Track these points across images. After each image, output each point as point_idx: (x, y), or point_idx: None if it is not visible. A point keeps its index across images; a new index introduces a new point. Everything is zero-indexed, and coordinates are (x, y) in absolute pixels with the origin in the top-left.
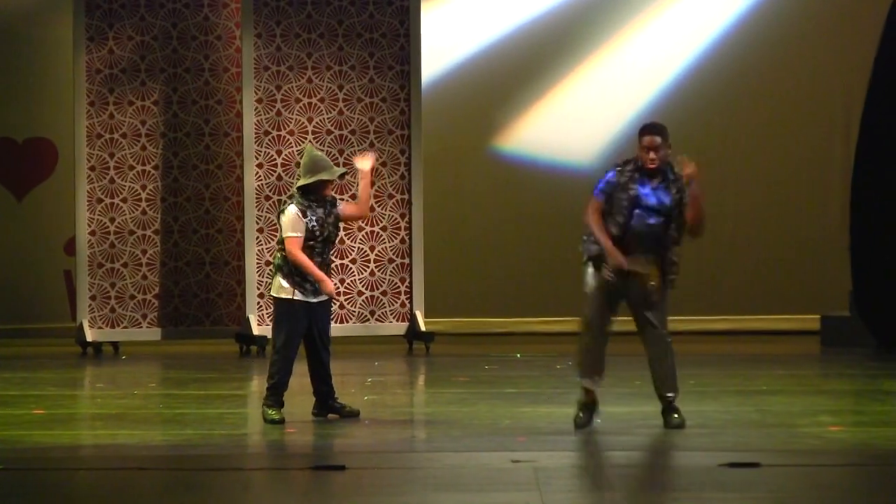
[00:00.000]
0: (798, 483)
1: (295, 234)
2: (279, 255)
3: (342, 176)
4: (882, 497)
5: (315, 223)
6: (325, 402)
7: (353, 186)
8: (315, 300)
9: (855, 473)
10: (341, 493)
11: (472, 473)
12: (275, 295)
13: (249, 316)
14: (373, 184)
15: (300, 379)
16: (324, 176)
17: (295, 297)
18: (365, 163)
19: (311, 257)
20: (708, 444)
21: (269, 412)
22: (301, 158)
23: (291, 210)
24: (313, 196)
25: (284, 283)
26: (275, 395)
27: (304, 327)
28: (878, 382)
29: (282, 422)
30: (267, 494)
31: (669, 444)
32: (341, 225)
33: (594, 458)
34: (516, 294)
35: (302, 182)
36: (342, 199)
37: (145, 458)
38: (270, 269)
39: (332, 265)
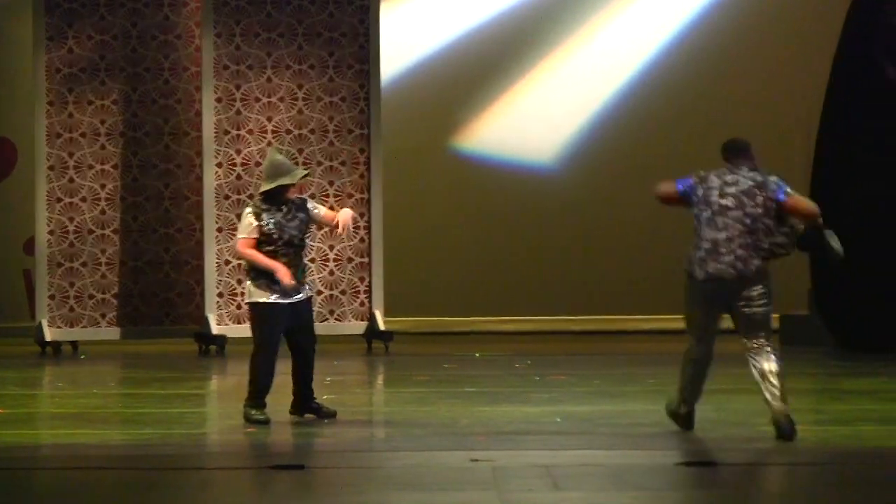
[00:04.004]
0: (756, 482)
1: (242, 236)
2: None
3: (305, 177)
4: (842, 495)
5: (272, 227)
6: (304, 403)
7: (310, 186)
8: (294, 300)
9: (814, 472)
10: (300, 493)
11: (431, 472)
12: (249, 300)
13: (208, 315)
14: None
15: (275, 378)
16: (284, 181)
17: (270, 301)
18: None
19: (275, 259)
20: (666, 443)
21: (253, 412)
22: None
23: (245, 212)
24: (273, 200)
25: (255, 288)
26: (257, 398)
27: (283, 329)
28: (838, 381)
29: (267, 422)
30: (226, 493)
31: (627, 443)
32: (311, 227)
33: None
34: (476, 293)
35: (263, 188)
36: (312, 199)
37: (105, 457)
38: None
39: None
